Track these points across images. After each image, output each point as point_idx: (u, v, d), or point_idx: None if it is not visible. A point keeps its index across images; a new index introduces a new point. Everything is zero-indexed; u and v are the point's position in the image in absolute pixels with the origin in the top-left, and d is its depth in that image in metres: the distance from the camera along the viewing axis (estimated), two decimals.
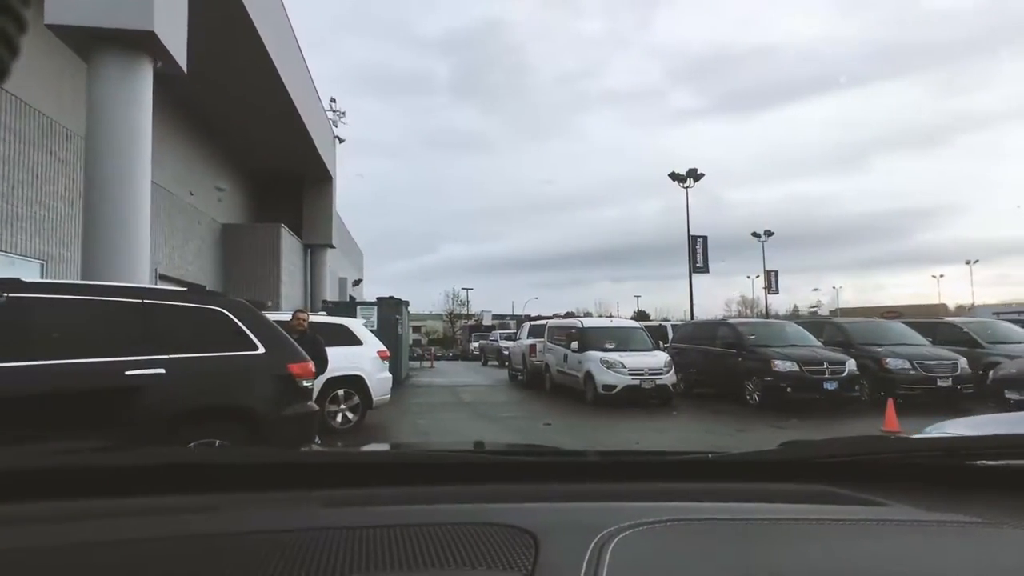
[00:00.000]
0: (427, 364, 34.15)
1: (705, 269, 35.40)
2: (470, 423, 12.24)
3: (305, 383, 5.46)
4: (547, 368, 16.46)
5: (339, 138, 22.98)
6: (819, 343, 13.40)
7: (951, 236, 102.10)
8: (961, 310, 54.19)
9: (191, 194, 15.48)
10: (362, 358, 9.86)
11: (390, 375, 10.58)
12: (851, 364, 12.27)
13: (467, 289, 73.15)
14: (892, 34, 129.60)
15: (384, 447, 2.09)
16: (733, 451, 1.34)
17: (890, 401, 9.63)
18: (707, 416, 12.22)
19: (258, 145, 18.66)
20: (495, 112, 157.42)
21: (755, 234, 51.25)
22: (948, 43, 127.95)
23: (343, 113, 22.96)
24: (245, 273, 17.94)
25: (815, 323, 15.01)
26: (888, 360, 12.63)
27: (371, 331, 20.54)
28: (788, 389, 11.90)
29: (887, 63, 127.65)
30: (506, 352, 25.36)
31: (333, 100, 22.27)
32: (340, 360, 9.43)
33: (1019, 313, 27.63)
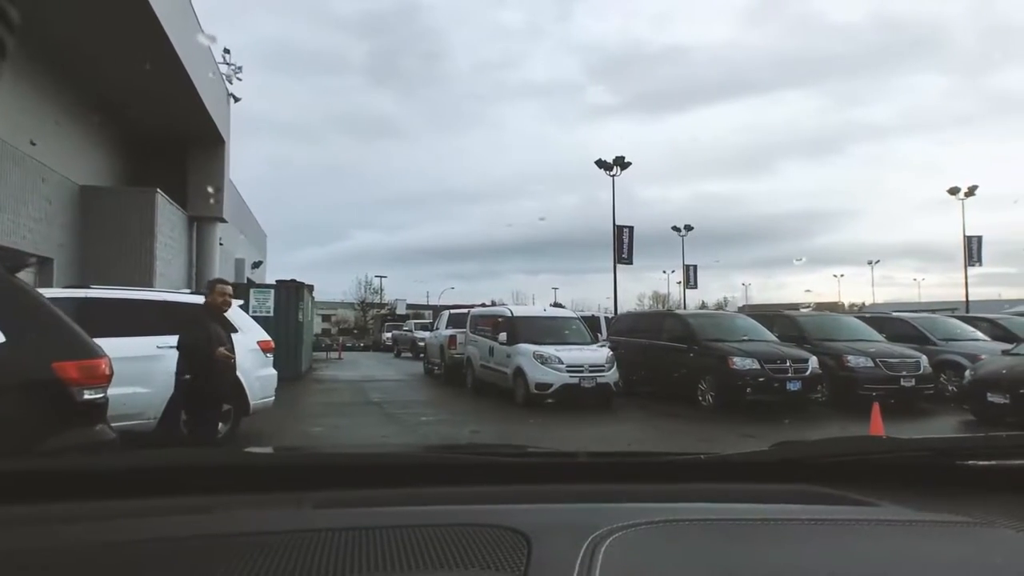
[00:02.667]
0: (334, 355, 31.81)
1: (629, 260, 34.32)
2: (379, 429, 10.14)
3: (89, 394, 3.21)
4: (469, 362, 14.46)
5: (234, 96, 19.97)
6: (775, 338, 12.06)
7: (844, 239, 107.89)
8: (853, 309, 56.25)
9: (32, 144, 12.42)
10: (237, 350, 7.51)
11: (274, 372, 8.27)
12: (813, 362, 10.96)
13: (380, 277, 69.48)
14: (796, 44, 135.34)
15: (377, 448, 1.95)
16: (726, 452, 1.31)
17: (875, 405, 8.28)
18: (660, 421, 10.59)
19: (131, 94, 15.57)
20: (411, 98, 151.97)
21: (675, 228, 51.34)
22: (847, 56, 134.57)
23: (239, 68, 19.91)
24: (109, 246, 14.83)
25: (765, 316, 13.69)
26: (849, 357, 11.41)
27: (265, 317, 18.09)
28: (748, 390, 10.44)
29: (791, 72, 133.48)
30: (421, 343, 23.38)
31: (226, 51, 19.25)
32: None
33: (913, 312, 28.02)
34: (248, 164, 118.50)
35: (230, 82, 19.70)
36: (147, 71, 14.36)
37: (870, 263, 65.12)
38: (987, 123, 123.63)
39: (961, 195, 43.60)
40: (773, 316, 13.74)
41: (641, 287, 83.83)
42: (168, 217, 16.75)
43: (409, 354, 29.59)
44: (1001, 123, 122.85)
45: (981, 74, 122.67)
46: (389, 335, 38.15)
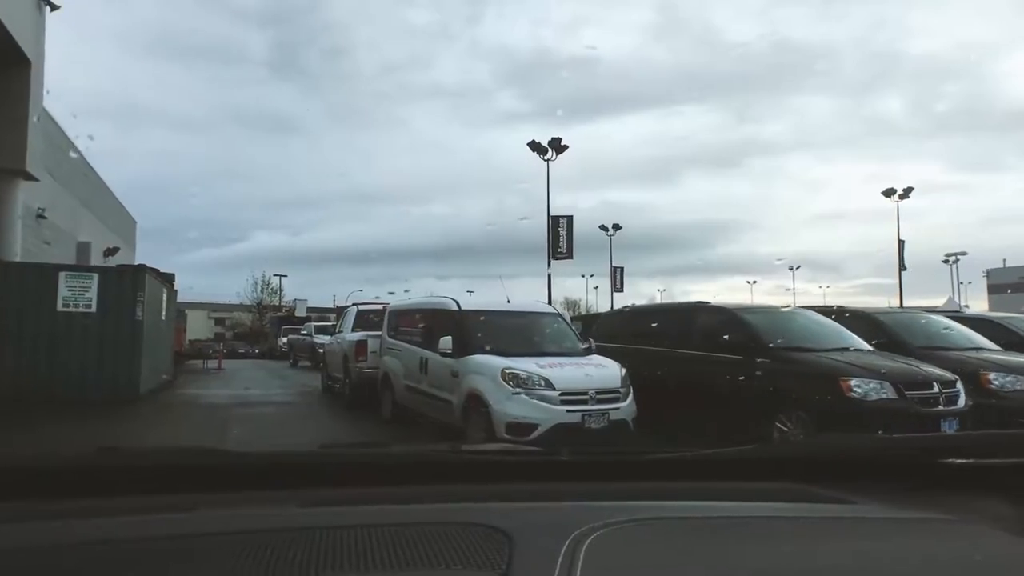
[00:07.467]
0: (213, 365, 25.74)
1: (569, 255, 30.19)
2: None
3: None
4: (387, 381, 9.50)
5: (51, 2, 14.15)
6: (871, 346, 7.80)
7: (742, 249, 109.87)
8: None
9: None
10: None
11: None
12: (960, 386, 6.80)
13: (280, 276, 61.94)
14: (697, 61, 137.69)
15: (359, 447, 1.89)
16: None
17: None
18: None
19: None
20: (314, 94, 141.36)
21: (603, 227, 48.24)
22: (744, 75, 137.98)
23: None
24: None
25: (826, 314, 9.42)
26: (992, 376, 7.36)
27: (84, 313, 12.36)
28: (881, 432, 6.12)
29: (694, 87, 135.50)
30: (321, 350, 18.04)
31: None
32: None
33: None
34: (135, 156, 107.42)
35: None
36: None
37: (791, 268, 63.91)
38: (865, 144, 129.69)
39: (896, 197, 42.80)
40: (834, 314, 9.43)
41: (550, 292, 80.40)
42: None
43: (308, 363, 24.52)
44: (878, 144, 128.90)
45: (862, 97, 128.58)
46: (285, 340, 32.45)
